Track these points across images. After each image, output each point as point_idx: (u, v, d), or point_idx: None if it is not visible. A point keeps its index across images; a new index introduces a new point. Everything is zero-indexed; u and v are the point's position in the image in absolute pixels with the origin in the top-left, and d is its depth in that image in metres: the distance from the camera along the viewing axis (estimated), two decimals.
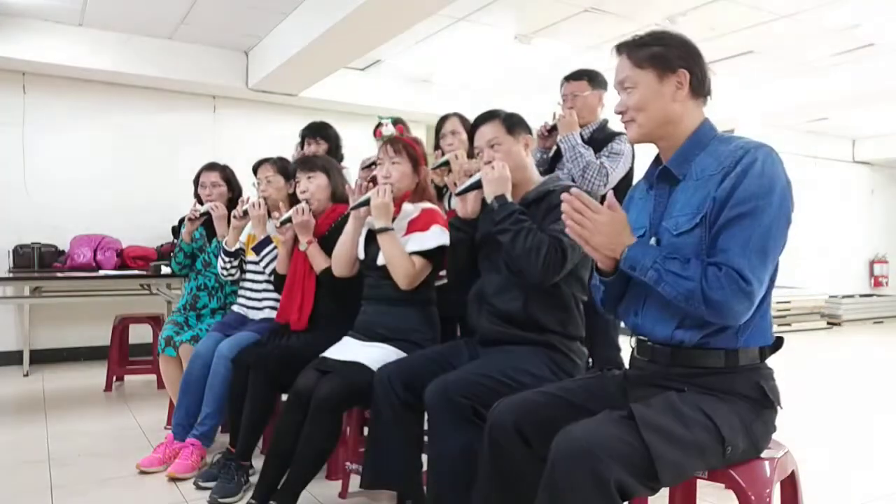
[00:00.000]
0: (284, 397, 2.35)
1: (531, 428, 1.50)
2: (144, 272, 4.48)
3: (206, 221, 3.23)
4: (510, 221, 1.89)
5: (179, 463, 2.65)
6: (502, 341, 2.01)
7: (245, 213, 2.92)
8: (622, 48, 1.54)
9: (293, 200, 2.91)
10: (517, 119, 2.11)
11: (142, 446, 3.04)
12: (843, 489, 2.71)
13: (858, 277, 9.60)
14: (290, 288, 2.69)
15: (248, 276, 3.01)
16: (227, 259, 2.98)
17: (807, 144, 8.50)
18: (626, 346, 1.90)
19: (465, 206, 2.11)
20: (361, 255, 2.43)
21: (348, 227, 2.44)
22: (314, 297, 2.65)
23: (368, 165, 3.28)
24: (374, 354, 2.22)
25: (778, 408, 1.47)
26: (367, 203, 2.33)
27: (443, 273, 2.43)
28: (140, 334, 4.86)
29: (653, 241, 1.50)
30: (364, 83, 6.24)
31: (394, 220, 2.32)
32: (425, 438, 2.13)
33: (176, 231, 5.06)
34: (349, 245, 2.44)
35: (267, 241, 2.86)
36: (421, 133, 6.63)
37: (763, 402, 1.43)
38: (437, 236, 2.27)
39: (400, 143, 2.43)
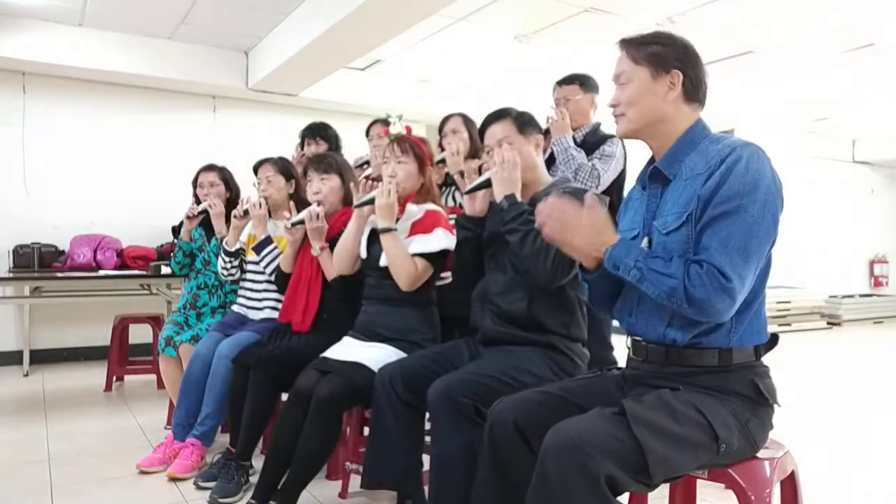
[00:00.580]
0: (284, 397, 2.35)
1: (531, 427, 1.50)
2: (144, 272, 4.49)
3: (205, 221, 3.24)
4: (519, 222, 1.89)
5: (179, 463, 2.65)
6: (504, 341, 2.01)
7: (246, 212, 2.92)
8: (623, 43, 1.55)
9: (294, 200, 2.91)
10: (528, 118, 2.11)
11: (142, 446, 3.04)
12: (843, 489, 2.71)
13: (858, 277, 9.61)
14: (295, 289, 2.68)
15: (249, 275, 3.01)
16: (227, 259, 2.98)
17: (807, 144, 8.50)
18: (620, 345, 1.91)
19: (474, 205, 2.11)
20: (363, 255, 2.43)
21: (351, 225, 2.44)
22: (319, 300, 2.64)
23: (361, 165, 3.28)
24: (374, 354, 2.22)
25: (775, 405, 1.47)
26: (371, 202, 2.32)
27: (444, 274, 2.43)
28: (140, 334, 4.86)
29: (645, 241, 1.51)
30: (364, 83, 6.24)
31: (397, 220, 2.31)
32: (426, 438, 2.13)
33: (176, 231, 5.05)
34: (351, 243, 2.44)
35: (267, 241, 2.86)
36: (420, 133, 6.63)
37: (758, 399, 1.44)
38: (441, 239, 2.27)
39: (407, 142, 2.40)
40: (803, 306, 8.12)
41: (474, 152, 2.91)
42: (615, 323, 2.84)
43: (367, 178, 2.68)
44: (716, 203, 1.37)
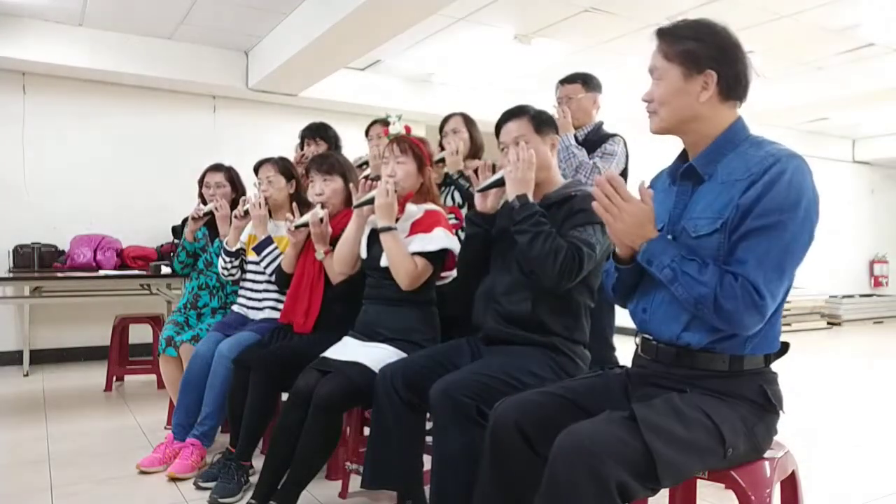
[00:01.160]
0: (285, 397, 2.35)
1: (533, 428, 1.50)
2: (144, 272, 4.48)
3: (210, 221, 3.24)
4: (530, 223, 1.88)
5: (179, 463, 2.65)
6: (506, 341, 2.01)
7: (246, 212, 2.92)
8: (658, 35, 1.49)
9: (294, 201, 2.90)
10: (546, 118, 2.10)
11: (142, 446, 3.03)
12: (843, 489, 2.71)
13: (858, 277, 9.61)
14: (297, 290, 2.67)
15: (249, 276, 3.01)
16: (227, 259, 2.97)
17: (807, 144, 8.49)
18: (622, 345, 1.90)
19: (485, 202, 2.10)
20: (364, 255, 2.43)
21: (350, 225, 2.43)
22: (321, 302, 2.64)
23: (360, 165, 3.28)
24: (374, 354, 2.22)
25: (780, 412, 1.47)
26: (370, 202, 2.32)
27: (445, 274, 2.43)
28: (140, 334, 4.86)
29: (669, 237, 1.47)
30: (364, 83, 6.24)
31: (397, 220, 2.31)
32: (427, 438, 2.13)
33: (176, 231, 5.07)
34: (351, 243, 2.44)
35: (268, 241, 2.85)
36: (420, 133, 6.63)
37: (766, 405, 1.43)
38: (441, 239, 2.26)
39: (406, 142, 2.40)
40: (803, 306, 8.12)
41: (474, 152, 2.91)
42: (617, 323, 2.84)
43: (366, 178, 2.68)
44: (756, 215, 1.33)
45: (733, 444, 1.36)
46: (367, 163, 3.24)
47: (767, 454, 1.46)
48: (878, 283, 9.75)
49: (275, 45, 5.14)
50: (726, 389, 1.41)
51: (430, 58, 5.82)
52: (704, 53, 1.43)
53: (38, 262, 4.93)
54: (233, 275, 3.01)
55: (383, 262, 2.27)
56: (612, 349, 2.74)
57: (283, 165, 3.02)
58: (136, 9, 4.72)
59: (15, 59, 4.92)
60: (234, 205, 3.18)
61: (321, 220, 2.54)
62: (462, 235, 2.32)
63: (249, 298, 3.00)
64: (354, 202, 2.40)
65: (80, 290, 4.76)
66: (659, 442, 1.26)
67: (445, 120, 2.97)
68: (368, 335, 2.33)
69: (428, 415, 2.04)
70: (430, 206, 2.37)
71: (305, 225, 2.58)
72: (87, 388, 4.39)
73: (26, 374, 4.84)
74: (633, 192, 1.45)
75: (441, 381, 1.86)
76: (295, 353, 2.47)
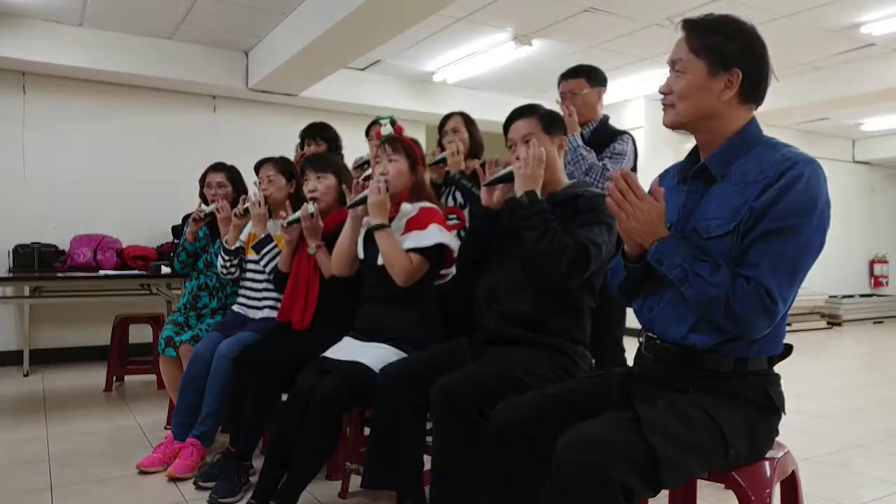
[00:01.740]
0: (284, 397, 2.35)
1: (535, 429, 1.50)
2: (144, 272, 4.48)
3: (211, 222, 3.23)
4: (538, 220, 1.87)
5: (179, 463, 2.65)
6: (508, 341, 2.00)
7: (246, 211, 2.92)
8: (686, 26, 1.45)
9: (294, 200, 2.91)
10: (556, 118, 2.10)
11: (142, 446, 3.04)
12: (843, 489, 2.71)
13: (858, 277, 9.61)
14: (294, 288, 2.68)
15: (249, 275, 3.01)
16: (226, 258, 2.97)
17: (807, 144, 8.47)
18: (631, 347, 1.90)
19: (491, 197, 2.09)
20: (361, 255, 2.43)
21: (346, 227, 2.44)
22: (317, 299, 2.65)
23: (361, 164, 3.28)
24: (374, 354, 2.22)
25: (782, 413, 1.47)
26: (363, 201, 2.32)
27: (444, 272, 2.43)
28: (140, 334, 4.86)
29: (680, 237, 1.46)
30: (364, 83, 6.24)
31: (392, 220, 2.31)
32: (427, 438, 2.13)
33: (176, 231, 5.07)
34: (347, 244, 2.44)
35: (267, 239, 2.86)
36: (421, 133, 6.64)
37: (768, 407, 1.43)
38: (435, 234, 2.26)
39: (398, 141, 2.41)
40: (803, 306, 8.12)
41: (474, 152, 2.91)
42: (629, 325, 2.82)
43: (367, 178, 2.68)
44: (771, 218, 1.32)
45: (735, 445, 1.35)
46: (367, 162, 3.24)
47: (768, 454, 1.46)
48: (878, 283, 9.75)
49: (275, 45, 5.14)
50: (729, 391, 1.41)
51: (430, 58, 5.82)
52: (733, 51, 1.40)
53: (38, 262, 4.92)
54: (232, 273, 3.01)
55: (380, 262, 2.28)
56: (623, 351, 2.72)
57: (283, 165, 3.02)
58: (136, 9, 4.72)
59: (15, 59, 4.92)
60: (234, 204, 3.18)
61: (312, 214, 2.56)
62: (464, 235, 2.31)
63: (249, 298, 3.00)
64: (348, 203, 2.41)
65: (80, 290, 4.77)
66: (662, 444, 1.26)
67: (445, 119, 2.96)
68: (368, 335, 2.33)
69: (428, 415, 2.04)
70: (425, 203, 2.38)
71: (298, 221, 2.59)
72: (87, 388, 4.39)
73: (26, 374, 4.84)
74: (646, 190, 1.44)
75: (441, 380, 1.86)
76: (295, 352, 2.47)
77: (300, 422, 2.17)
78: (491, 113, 5.20)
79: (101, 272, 4.61)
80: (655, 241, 1.42)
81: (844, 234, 9.12)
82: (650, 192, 1.45)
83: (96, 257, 4.99)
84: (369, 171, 3.09)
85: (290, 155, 3.41)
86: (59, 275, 4.45)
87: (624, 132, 2.78)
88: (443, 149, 2.88)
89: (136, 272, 4.58)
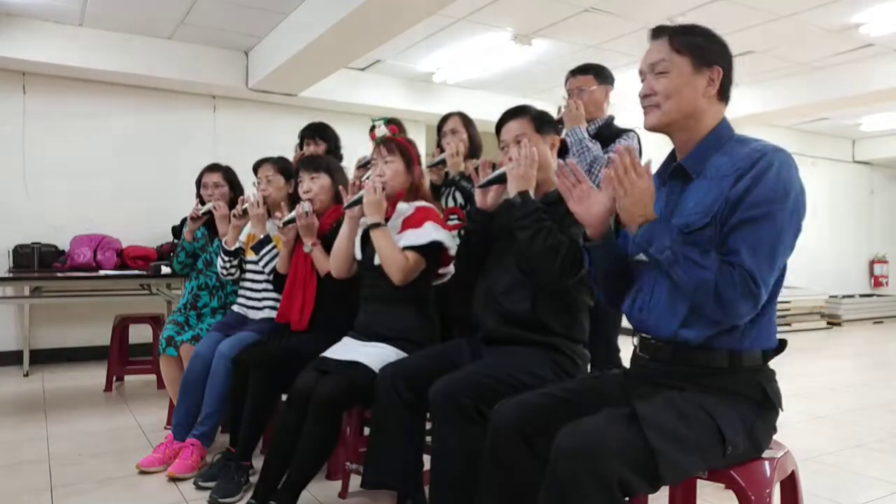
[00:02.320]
0: (284, 397, 2.35)
1: (533, 428, 1.50)
2: (144, 272, 4.48)
3: (209, 221, 3.24)
4: (531, 219, 1.88)
5: (179, 463, 2.65)
6: (507, 341, 2.01)
7: (245, 212, 2.92)
8: (663, 31, 1.51)
9: (293, 200, 2.91)
10: (547, 118, 2.11)
11: (142, 446, 3.04)
12: (843, 489, 2.71)
13: (858, 277, 9.61)
14: (291, 288, 2.69)
15: (248, 275, 3.01)
16: (226, 258, 2.98)
17: (807, 144, 8.50)
18: (626, 347, 1.90)
19: (486, 199, 2.10)
20: (359, 256, 2.43)
21: (344, 228, 2.45)
22: (315, 298, 2.65)
23: (364, 164, 3.28)
24: (374, 354, 2.22)
25: (779, 409, 1.47)
26: (360, 201, 2.33)
27: (442, 272, 2.43)
28: (140, 334, 4.85)
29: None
30: (364, 83, 6.24)
31: (388, 219, 2.32)
32: (427, 438, 2.13)
33: (176, 231, 5.06)
34: (345, 245, 2.44)
35: (266, 240, 2.86)
36: (421, 133, 6.64)
37: (765, 403, 1.43)
38: (430, 232, 2.27)
39: (393, 142, 2.43)
40: (803, 306, 8.12)
41: (473, 152, 2.91)
42: (624, 324, 2.82)
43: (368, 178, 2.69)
44: (745, 207, 1.35)
45: (733, 442, 1.36)
46: (370, 162, 3.24)
47: (767, 454, 1.47)
48: (878, 283, 9.75)
49: (275, 45, 5.14)
50: (725, 387, 1.42)
51: (430, 58, 5.82)
52: (713, 50, 1.48)
53: (38, 262, 4.93)
54: (231, 274, 3.01)
55: (377, 262, 2.28)
56: (617, 351, 2.72)
57: (282, 165, 3.03)
58: (136, 9, 4.72)
59: (15, 59, 4.91)
60: (232, 204, 3.18)
61: (307, 213, 2.58)
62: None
63: (249, 298, 3.00)
64: (345, 203, 2.41)
65: (80, 290, 4.76)
66: (660, 439, 1.27)
67: (444, 120, 2.96)
68: (367, 335, 2.33)
69: (428, 415, 2.04)
70: (421, 202, 2.38)
71: (294, 221, 2.61)
72: (87, 388, 4.39)
73: (26, 374, 4.84)
74: None
75: (441, 380, 1.86)
76: (294, 352, 2.47)
77: (300, 422, 2.17)
78: (491, 113, 5.14)
79: (101, 272, 4.62)
80: (645, 222, 1.44)
81: (844, 234, 9.13)
82: None
83: (96, 257, 4.99)
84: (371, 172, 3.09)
85: (290, 155, 3.42)
86: (59, 275, 4.45)
87: (630, 129, 2.78)
88: (442, 150, 2.88)
89: (136, 272, 4.59)
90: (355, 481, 2.40)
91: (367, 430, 2.39)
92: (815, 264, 8.24)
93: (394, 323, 2.31)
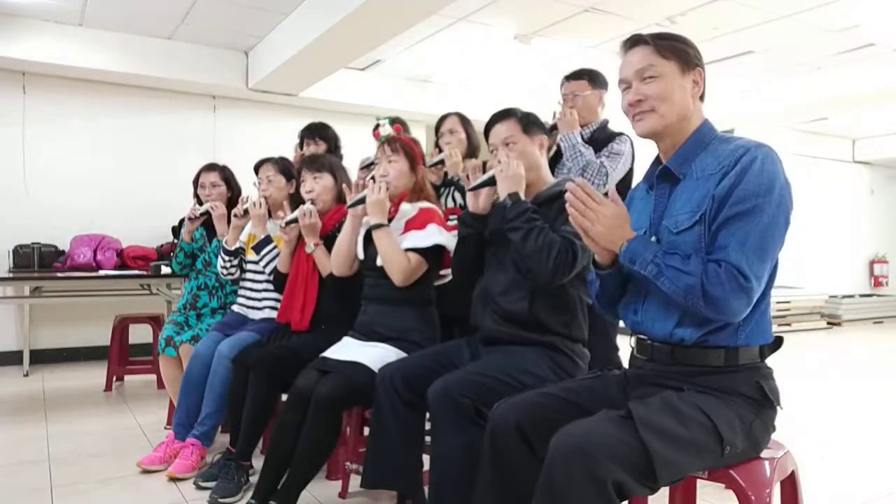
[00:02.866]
0: (284, 397, 2.35)
1: (532, 428, 1.50)
2: (144, 272, 4.48)
3: (207, 221, 3.24)
4: (522, 220, 1.89)
5: (179, 463, 2.65)
6: (505, 341, 2.01)
7: (245, 211, 2.92)
8: (646, 39, 1.52)
9: (294, 200, 2.91)
10: (533, 119, 2.12)
11: (142, 446, 3.04)
12: (843, 489, 2.71)
13: (858, 277, 9.60)
14: (292, 288, 2.69)
15: (248, 275, 3.01)
16: (226, 258, 2.98)
17: (807, 144, 8.50)
18: (625, 346, 1.91)
19: (477, 202, 2.11)
20: (361, 255, 2.43)
21: (346, 227, 2.44)
22: (316, 298, 2.65)
23: (367, 165, 3.28)
24: (373, 354, 2.22)
25: (778, 408, 1.47)
26: (363, 201, 2.33)
27: (443, 273, 2.43)
28: (140, 334, 4.86)
29: (653, 240, 1.50)
30: (364, 83, 6.24)
31: (392, 220, 2.32)
32: (427, 438, 2.13)
33: (176, 231, 5.06)
34: (347, 244, 2.44)
35: (267, 240, 2.86)
36: (420, 133, 6.63)
37: (763, 401, 1.43)
38: (434, 234, 2.27)
39: (397, 142, 2.42)
40: (803, 306, 8.12)
41: (471, 152, 2.91)
42: (622, 324, 2.83)
43: (373, 178, 2.69)
44: (732, 203, 1.37)
45: (731, 441, 1.36)
46: (374, 163, 3.24)
47: (767, 454, 1.47)
48: (878, 283, 9.74)
49: (275, 45, 5.14)
50: (722, 386, 1.42)
51: (430, 58, 5.82)
52: (692, 52, 1.52)
53: (38, 262, 4.93)
54: (232, 274, 3.01)
55: (379, 262, 2.28)
56: (616, 349, 2.73)
57: (283, 165, 3.03)
58: (136, 9, 4.72)
59: (15, 59, 4.92)
60: (230, 203, 3.18)
61: (310, 213, 2.57)
62: None
63: (249, 298, 3.00)
64: (348, 202, 2.41)
65: (80, 290, 4.76)
66: (656, 440, 1.27)
67: (441, 120, 2.96)
68: (368, 335, 2.33)
69: (427, 415, 2.04)
70: (425, 203, 2.38)
71: (296, 221, 2.60)
72: (87, 388, 4.39)
73: (26, 374, 4.84)
74: None
75: (440, 381, 1.86)
76: (294, 352, 2.47)
77: (300, 422, 2.17)
78: (490, 113, 5.19)
79: (101, 272, 4.62)
80: (624, 242, 1.45)
81: (844, 234, 9.13)
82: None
83: (96, 257, 4.99)
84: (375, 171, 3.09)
85: (290, 155, 3.42)
86: (59, 275, 4.45)
87: (622, 133, 2.79)
88: (440, 150, 2.88)
89: (136, 272, 4.59)
90: (355, 481, 2.40)
91: (367, 430, 2.39)
92: (814, 264, 8.24)
93: (395, 323, 2.31)
